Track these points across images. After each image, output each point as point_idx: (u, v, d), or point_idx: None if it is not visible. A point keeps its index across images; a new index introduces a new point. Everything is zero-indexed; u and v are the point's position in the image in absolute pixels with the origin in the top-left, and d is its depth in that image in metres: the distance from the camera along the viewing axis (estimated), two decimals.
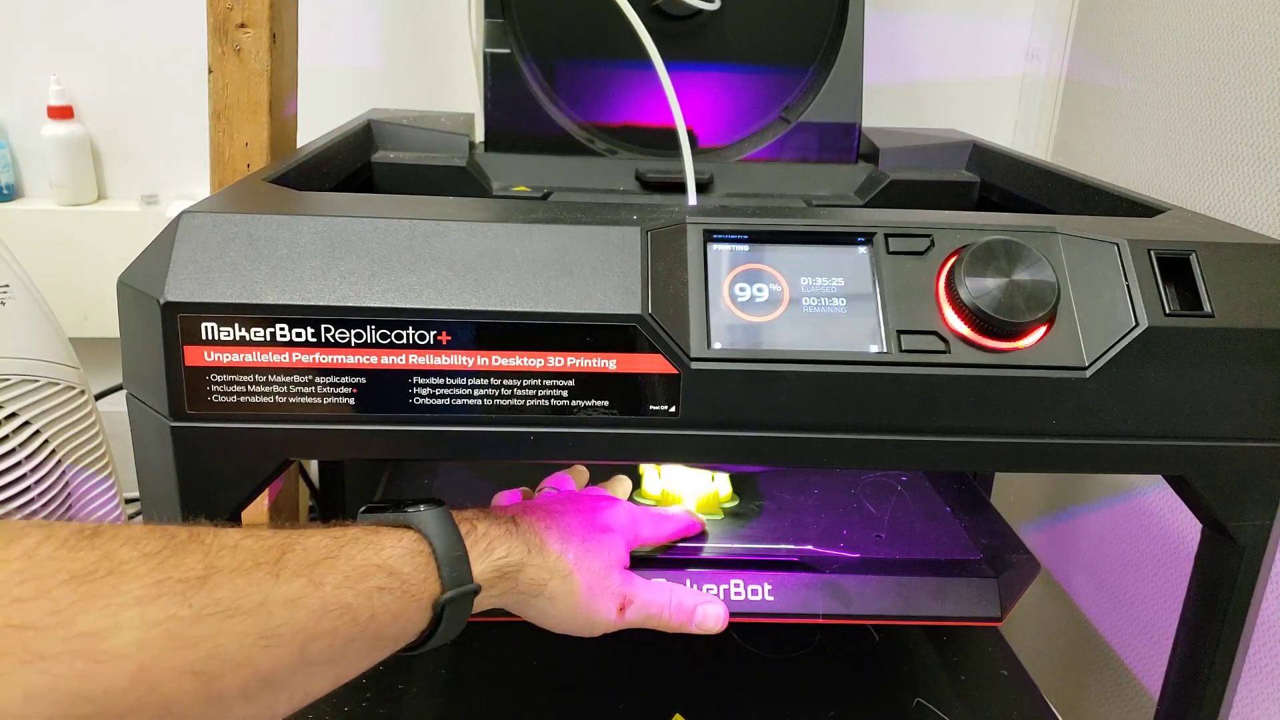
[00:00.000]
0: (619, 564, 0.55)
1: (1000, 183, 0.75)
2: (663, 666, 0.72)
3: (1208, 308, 0.46)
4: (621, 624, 0.54)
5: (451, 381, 0.45)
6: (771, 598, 0.59)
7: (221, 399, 0.44)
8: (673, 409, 0.45)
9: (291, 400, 0.44)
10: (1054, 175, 0.69)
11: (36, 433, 0.75)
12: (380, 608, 0.40)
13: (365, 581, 0.40)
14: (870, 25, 0.78)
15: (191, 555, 0.35)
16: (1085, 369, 0.45)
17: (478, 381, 0.45)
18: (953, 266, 0.46)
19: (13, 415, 0.73)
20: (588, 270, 0.44)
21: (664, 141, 0.61)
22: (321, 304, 0.43)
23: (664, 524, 0.61)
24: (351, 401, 0.44)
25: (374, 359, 0.44)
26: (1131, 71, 0.87)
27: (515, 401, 0.45)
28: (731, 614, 0.58)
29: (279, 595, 0.36)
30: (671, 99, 0.58)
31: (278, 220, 0.45)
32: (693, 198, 0.60)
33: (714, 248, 0.47)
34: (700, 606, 0.56)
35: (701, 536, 0.64)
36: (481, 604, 0.47)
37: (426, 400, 0.45)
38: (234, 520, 0.48)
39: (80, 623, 0.30)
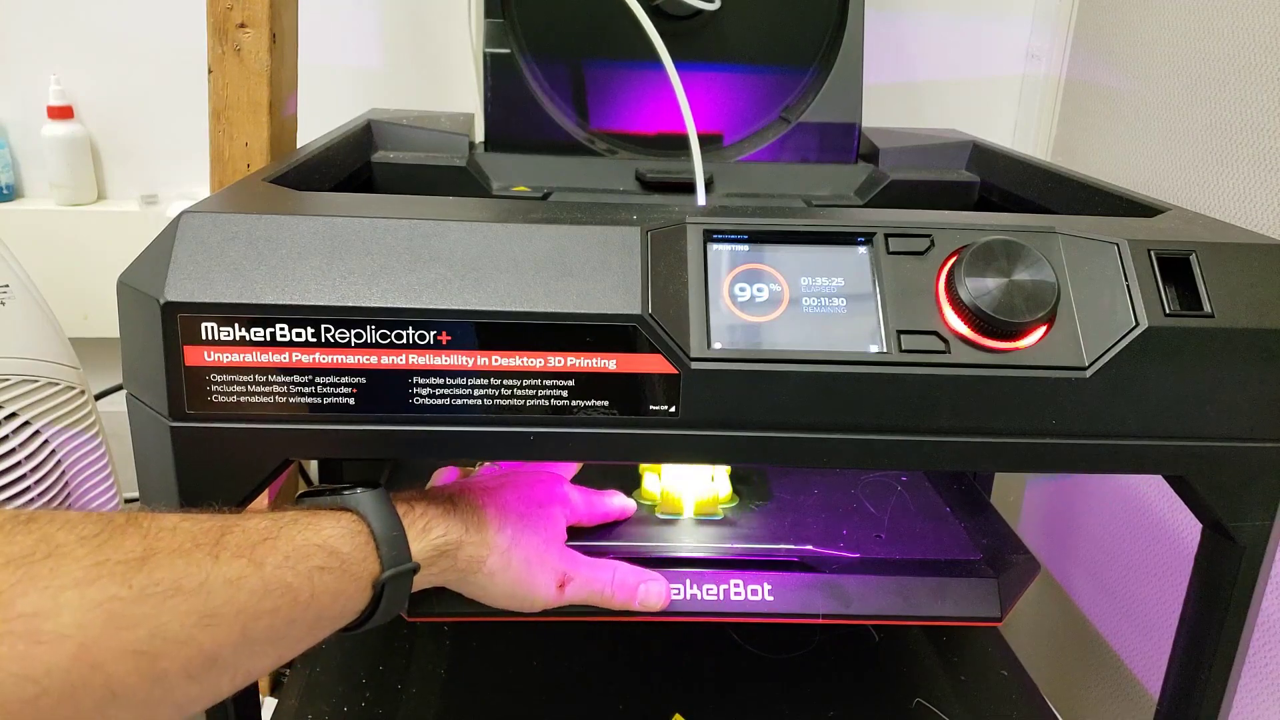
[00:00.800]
0: (557, 539, 0.55)
1: (1000, 183, 0.75)
2: (663, 666, 0.72)
3: (1207, 308, 0.46)
4: (562, 600, 0.54)
5: (451, 381, 0.45)
6: (771, 598, 0.59)
7: (221, 399, 0.44)
8: (673, 409, 0.45)
9: (291, 400, 0.44)
10: (1054, 175, 0.69)
11: (36, 433, 0.75)
12: (321, 587, 0.40)
13: (306, 561, 0.40)
14: (870, 25, 0.78)
15: (130, 538, 0.35)
16: (1085, 369, 0.45)
17: (478, 381, 0.45)
18: (953, 266, 0.46)
19: (13, 415, 0.73)
20: (588, 270, 0.44)
21: (664, 142, 0.61)
22: (321, 304, 0.43)
23: (599, 503, 0.62)
24: (351, 401, 0.44)
25: (374, 359, 0.44)
26: (1131, 72, 0.87)
27: (515, 401, 0.45)
28: (731, 614, 0.58)
29: (219, 575, 0.36)
30: (681, 98, 0.57)
31: (278, 220, 0.45)
32: (702, 198, 0.60)
33: (714, 248, 0.47)
34: (643, 585, 0.56)
35: (636, 522, 0.66)
36: (421, 582, 0.48)
37: (426, 400, 0.45)
38: None
39: (19, 605, 0.30)
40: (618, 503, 0.64)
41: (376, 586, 0.44)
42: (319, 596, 0.40)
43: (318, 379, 0.44)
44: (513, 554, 0.51)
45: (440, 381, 0.45)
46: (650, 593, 0.57)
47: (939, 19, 1.06)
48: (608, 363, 0.45)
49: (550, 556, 0.54)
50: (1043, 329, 0.45)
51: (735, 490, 0.70)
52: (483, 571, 0.51)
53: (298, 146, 0.80)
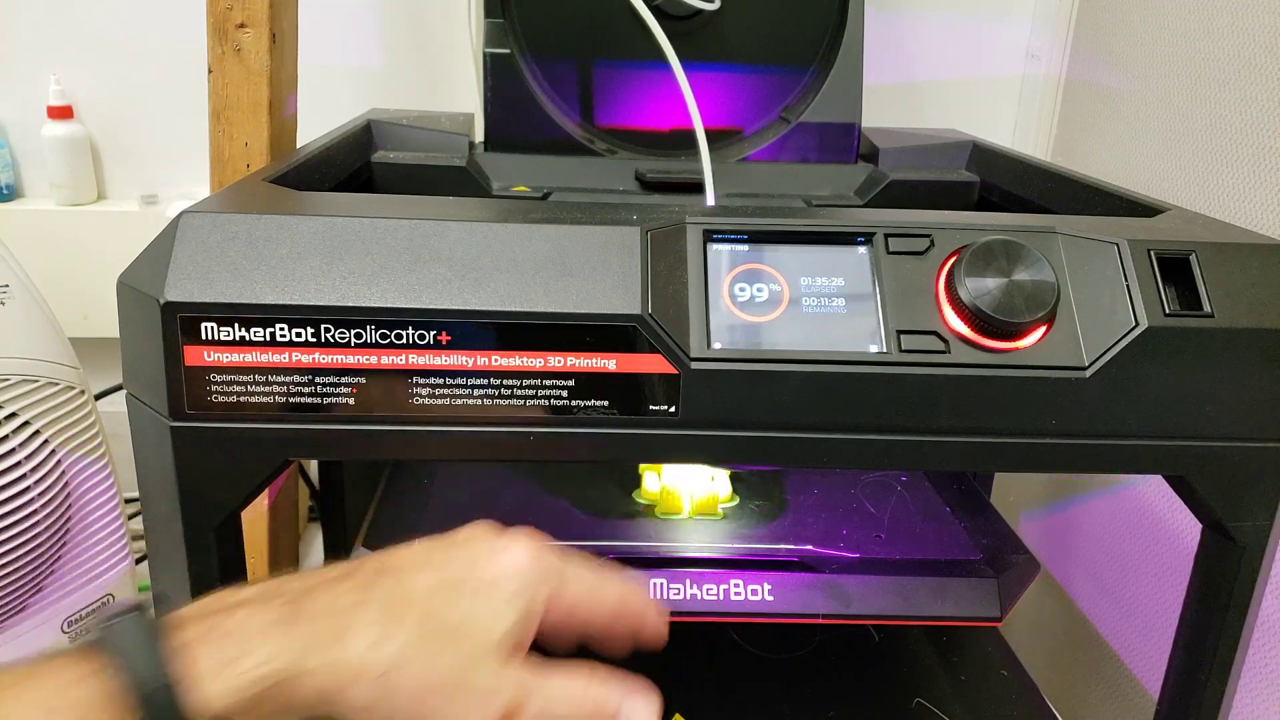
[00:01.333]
0: (503, 649, 0.36)
1: (1000, 183, 0.75)
2: (663, 666, 0.72)
3: (1207, 308, 0.46)
4: None
5: (451, 381, 0.45)
6: (771, 598, 0.59)
7: (221, 399, 0.44)
8: (672, 409, 0.45)
9: (291, 400, 0.44)
10: (1054, 175, 0.69)
11: (36, 433, 0.75)
12: None
13: None
14: (870, 25, 0.78)
15: None
16: (1085, 369, 0.45)
17: (478, 381, 0.45)
18: (952, 266, 0.46)
19: (13, 415, 0.73)
20: (588, 270, 0.44)
21: (664, 141, 0.61)
22: (321, 304, 0.43)
23: (597, 585, 0.41)
24: (351, 401, 0.44)
25: (374, 359, 0.44)
26: (1131, 72, 0.87)
27: (515, 401, 0.45)
28: (731, 614, 0.58)
29: None
30: (688, 94, 0.57)
31: (278, 220, 0.45)
32: (711, 197, 0.59)
33: (714, 248, 0.47)
34: (628, 702, 0.39)
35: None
36: None
37: (426, 400, 0.45)
38: (233, 521, 0.48)
39: None
40: (623, 591, 0.42)
41: None
42: None
43: (318, 379, 0.44)
44: (399, 679, 0.34)
45: (440, 381, 0.45)
46: (635, 713, 0.39)
47: (939, 19, 1.06)
48: (607, 363, 0.45)
49: (479, 678, 0.35)
50: (1042, 329, 0.45)
51: (735, 490, 0.70)
52: (343, 707, 0.34)
53: (298, 146, 0.80)
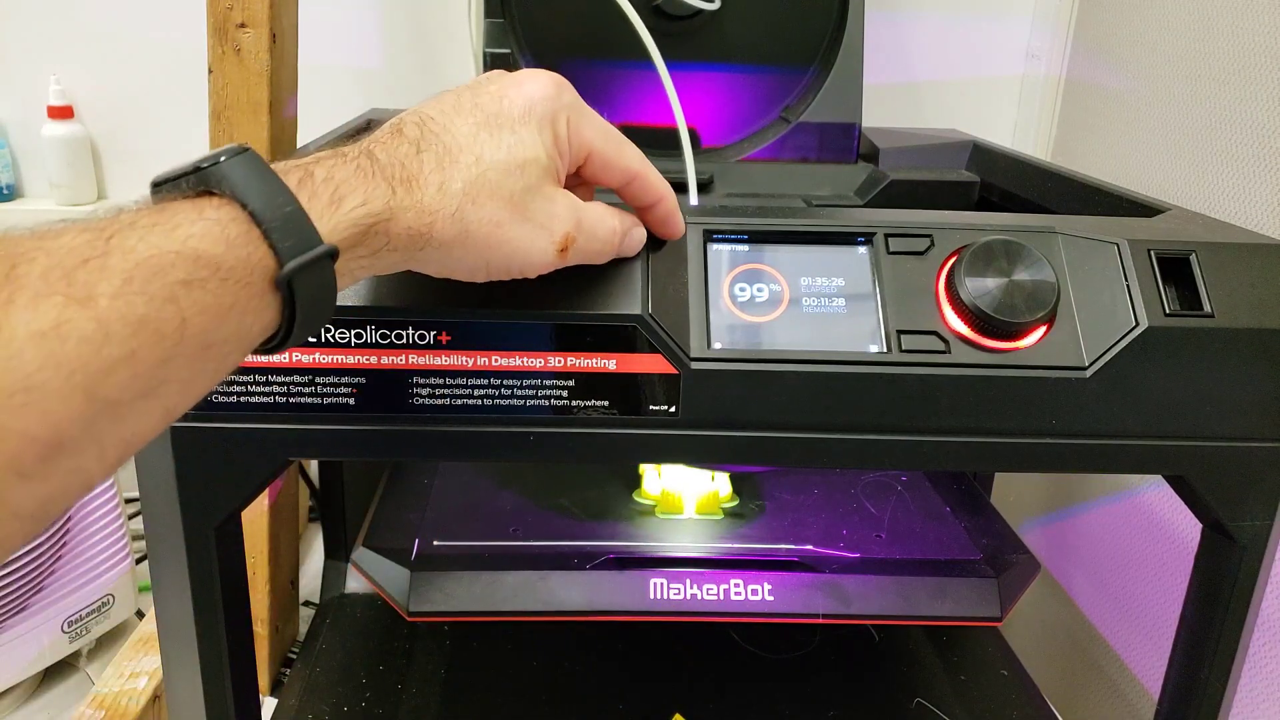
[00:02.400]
0: (547, 179, 0.39)
1: (1000, 183, 0.75)
2: (663, 666, 0.73)
3: (1208, 308, 0.46)
4: (564, 263, 0.41)
5: (451, 381, 0.44)
6: (771, 598, 0.59)
7: (220, 399, 0.44)
8: (673, 409, 0.45)
9: (291, 400, 0.44)
10: (1054, 175, 0.68)
11: None
12: (194, 309, 0.29)
13: (159, 278, 0.28)
14: (870, 25, 0.78)
15: None
16: (1085, 369, 0.45)
17: (478, 381, 0.45)
18: (952, 266, 0.46)
19: None
20: (587, 270, 0.44)
21: (665, 141, 0.61)
22: None
23: (621, 145, 0.43)
24: (351, 401, 0.44)
25: (374, 359, 0.44)
26: (1131, 71, 0.87)
27: (515, 401, 0.45)
28: (731, 614, 0.58)
29: (21, 330, 0.25)
30: (671, 92, 0.57)
31: None
32: (694, 198, 0.60)
33: (714, 248, 0.47)
34: (635, 229, 0.44)
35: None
36: (353, 272, 0.36)
37: (426, 400, 0.45)
38: (233, 521, 0.48)
39: None
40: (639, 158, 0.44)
41: (281, 286, 0.32)
42: (193, 321, 0.29)
43: (317, 379, 0.44)
44: (472, 214, 0.37)
45: (440, 381, 0.45)
46: (634, 238, 0.44)
47: (939, 19, 1.05)
48: (608, 363, 0.45)
49: (537, 206, 0.39)
50: (1043, 329, 0.45)
51: (735, 490, 0.70)
52: (431, 245, 0.37)
53: (298, 146, 0.80)
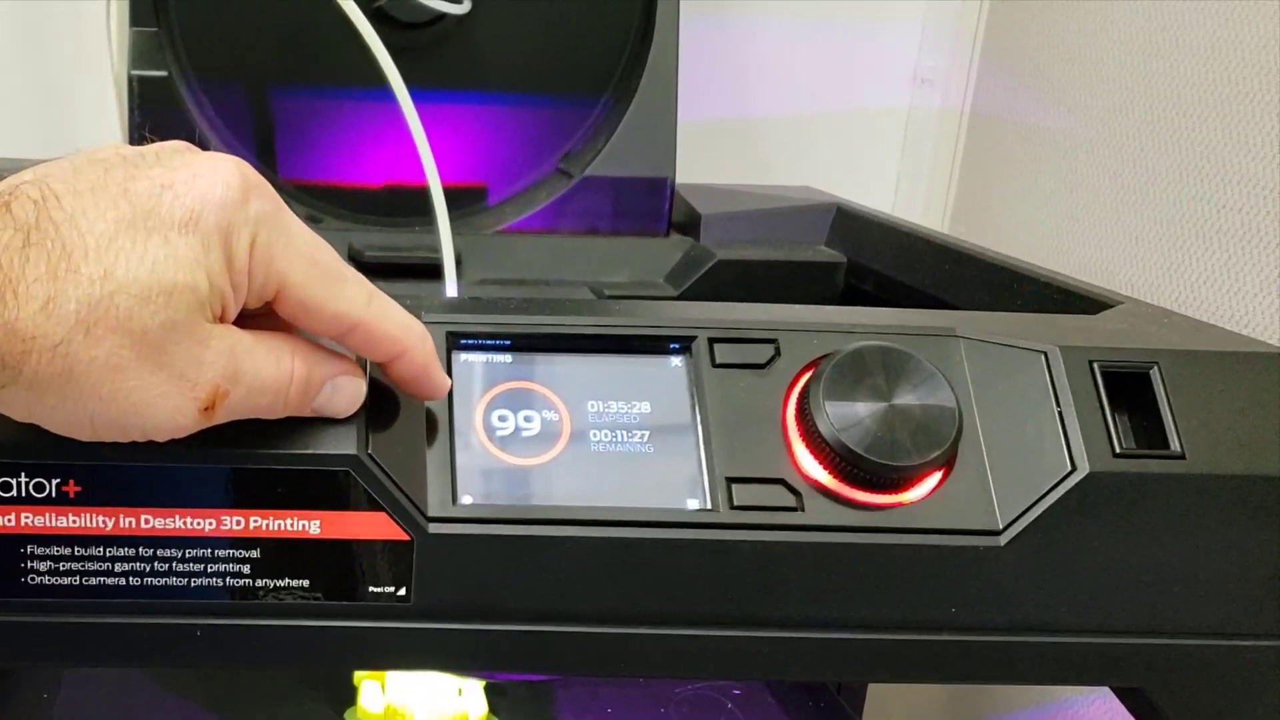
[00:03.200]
0: (201, 315, 0.32)
1: (876, 263, 0.67)
2: None
3: (1175, 445, 0.39)
4: (209, 423, 0.33)
5: (81, 552, 0.36)
6: None
7: None
8: (402, 591, 0.38)
9: None
10: (953, 252, 0.61)
11: None
12: None
13: None
14: (689, 39, 0.68)
15: None
16: (999, 534, 0.38)
17: (120, 551, 0.37)
18: (807, 386, 0.39)
19: None
20: None
21: (390, 204, 0.51)
22: None
23: (333, 282, 0.34)
24: None
25: None
26: (1062, 104, 0.78)
27: (175, 581, 0.37)
28: None
29: None
30: (418, 135, 0.47)
31: None
32: (452, 286, 0.49)
33: (462, 358, 0.40)
34: (330, 382, 0.35)
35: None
36: None
37: (45, 580, 0.36)
38: None
39: None
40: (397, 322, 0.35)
41: None
42: None
43: None
44: (83, 351, 0.30)
45: (66, 552, 0.36)
46: (338, 392, 0.35)
47: (791, 30, 0.92)
48: (309, 524, 0.37)
49: (180, 350, 0.31)
50: (938, 476, 0.39)
51: (492, 708, 0.61)
52: (19, 383, 0.30)
53: None
